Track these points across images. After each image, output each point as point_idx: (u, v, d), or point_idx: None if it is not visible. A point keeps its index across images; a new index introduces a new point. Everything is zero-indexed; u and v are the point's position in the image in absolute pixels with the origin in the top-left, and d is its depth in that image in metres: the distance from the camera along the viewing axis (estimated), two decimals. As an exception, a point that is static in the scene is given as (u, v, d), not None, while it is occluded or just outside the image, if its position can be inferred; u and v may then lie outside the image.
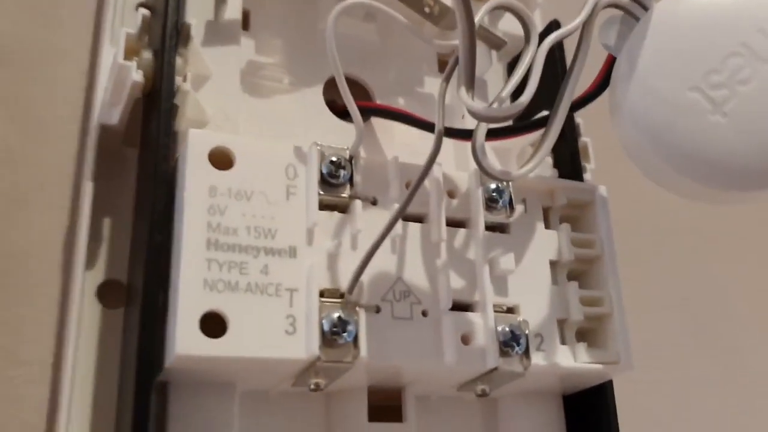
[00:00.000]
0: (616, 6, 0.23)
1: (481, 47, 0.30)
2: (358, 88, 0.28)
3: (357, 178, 0.22)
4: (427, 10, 0.27)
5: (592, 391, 0.25)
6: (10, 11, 0.27)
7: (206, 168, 0.21)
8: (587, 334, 0.24)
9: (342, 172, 0.22)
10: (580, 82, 0.23)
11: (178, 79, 0.23)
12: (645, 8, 0.22)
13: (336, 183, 0.22)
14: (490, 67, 0.30)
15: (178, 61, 0.23)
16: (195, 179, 0.21)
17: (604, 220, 0.25)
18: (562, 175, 0.27)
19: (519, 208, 0.24)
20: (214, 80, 0.25)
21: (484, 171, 0.22)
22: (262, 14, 0.27)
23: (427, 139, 0.22)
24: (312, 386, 0.21)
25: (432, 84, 0.29)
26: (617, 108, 0.22)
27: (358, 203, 0.22)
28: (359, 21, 0.28)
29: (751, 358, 0.39)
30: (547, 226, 0.25)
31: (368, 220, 0.22)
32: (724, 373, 0.38)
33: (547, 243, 0.24)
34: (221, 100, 0.25)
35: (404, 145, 0.27)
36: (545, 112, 0.23)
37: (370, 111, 0.27)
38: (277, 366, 0.20)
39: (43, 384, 0.23)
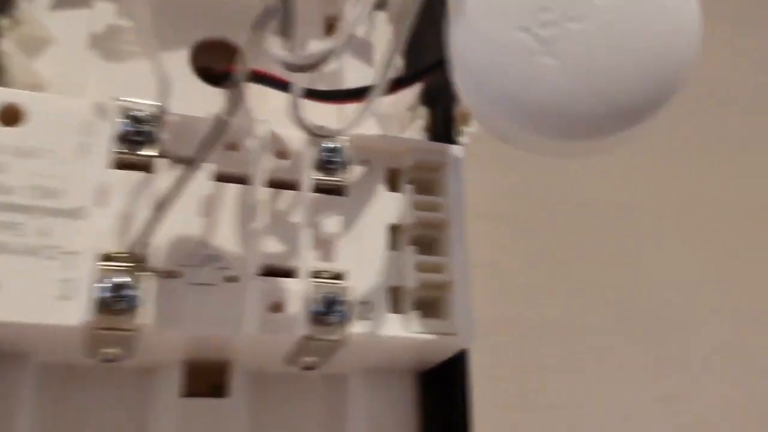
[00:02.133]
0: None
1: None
2: (234, 53, 0.27)
3: (164, 137, 0.21)
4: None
5: (447, 366, 0.23)
6: None
7: (-10, 124, 0.20)
8: (432, 305, 0.22)
9: (146, 129, 0.21)
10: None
11: (2, 42, 0.22)
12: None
13: (138, 141, 0.21)
14: (370, 29, 0.28)
15: (4, 22, 0.23)
16: (-25, 135, 0.20)
17: (454, 183, 0.23)
18: (434, 140, 0.25)
19: (359, 170, 0.23)
20: (59, 44, 0.24)
21: (301, 126, 0.21)
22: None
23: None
24: (103, 357, 0.20)
25: (318, 47, 0.27)
26: (449, 55, 0.20)
27: (161, 163, 0.21)
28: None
29: (663, 341, 0.36)
30: (395, 189, 0.23)
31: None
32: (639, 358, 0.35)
33: (388, 206, 0.23)
34: (67, 64, 0.24)
35: (277, 109, 0.25)
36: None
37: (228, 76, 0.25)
38: (51, 333, 0.19)
39: None
